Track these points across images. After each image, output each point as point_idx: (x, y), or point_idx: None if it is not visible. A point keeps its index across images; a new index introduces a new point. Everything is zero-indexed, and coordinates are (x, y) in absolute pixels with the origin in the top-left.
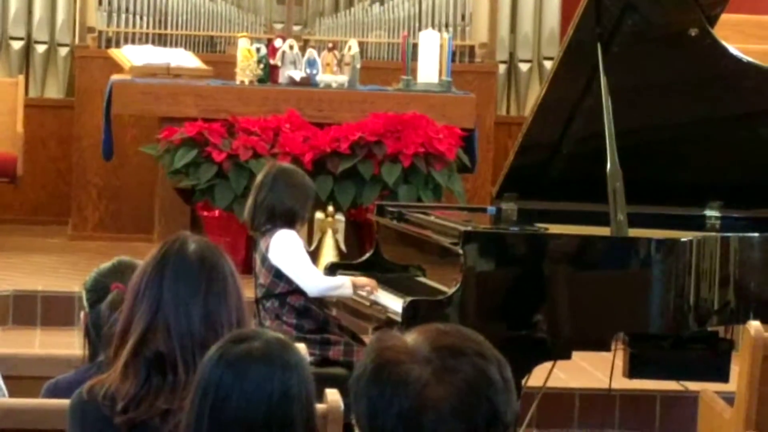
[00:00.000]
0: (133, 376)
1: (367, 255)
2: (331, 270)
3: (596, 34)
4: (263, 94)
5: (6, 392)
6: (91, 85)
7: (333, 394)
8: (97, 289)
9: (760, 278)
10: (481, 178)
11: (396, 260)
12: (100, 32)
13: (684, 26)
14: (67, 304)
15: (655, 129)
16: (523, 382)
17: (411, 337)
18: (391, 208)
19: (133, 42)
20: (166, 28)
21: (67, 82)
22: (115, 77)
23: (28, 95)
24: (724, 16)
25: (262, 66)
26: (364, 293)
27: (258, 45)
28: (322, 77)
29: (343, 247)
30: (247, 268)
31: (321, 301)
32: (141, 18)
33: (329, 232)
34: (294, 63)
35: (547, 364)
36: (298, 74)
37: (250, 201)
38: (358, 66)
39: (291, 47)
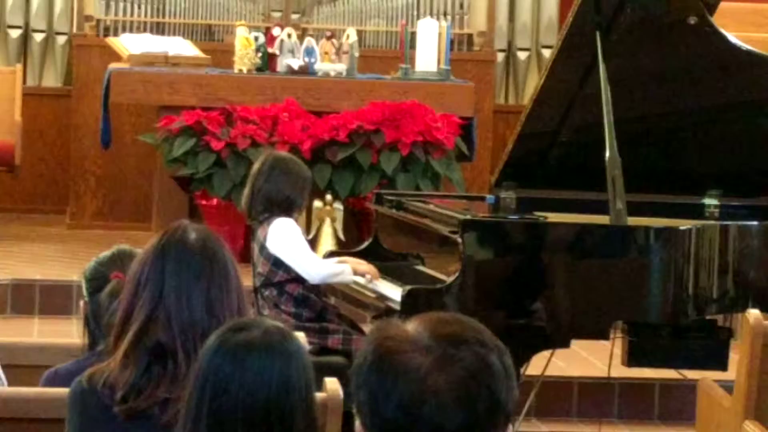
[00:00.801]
0: (134, 365)
1: (366, 244)
2: (330, 258)
3: (595, 22)
4: (261, 83)
5: (5, 381)
6: (89, 74)
7: (332, 383)
8: (97, 278)
9: (758, 266)
10: (479, 167)
11: (394, 249)
12: (98, 21)
13: (683, 14)
14: (65, 293)
15: (654, 117)
16: (522, 370)
17: (411, 326)
18: (389, 197)
19: (131, 30)
20: (164, 16)
21: (65, 71)
22: (113, 66)
23: (26, 84)
24: (723, 4)
25: (260, 54)
26: (363, 280)
27: (256, 33)
28: (321, 66)
29: (341, 235)
30: (246, 256)
31: (319, 290)
32: (139, 6)
33: (327, 221)
34: (292, 51)
35: (546, 353)
36: (296, 63)
37: (247, 190)
38: (357, 54)
39: (289, 36)
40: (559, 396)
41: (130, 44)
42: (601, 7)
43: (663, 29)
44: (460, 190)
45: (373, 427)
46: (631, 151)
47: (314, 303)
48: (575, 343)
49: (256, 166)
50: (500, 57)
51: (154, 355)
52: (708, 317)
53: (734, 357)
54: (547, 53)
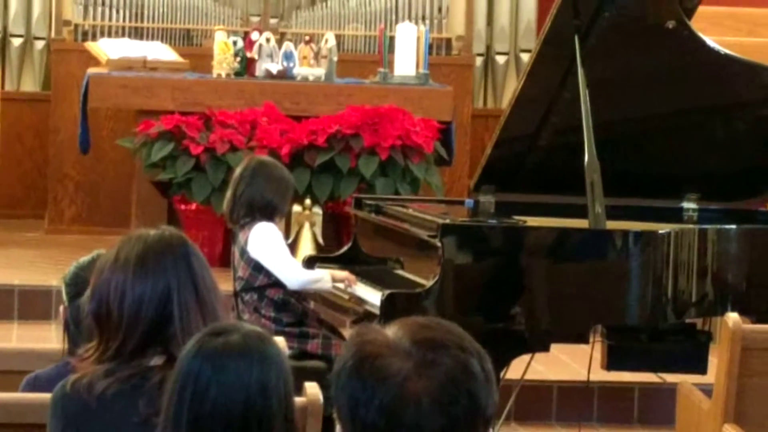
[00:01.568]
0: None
1: (345, 248)
2: (309, 263)
3: (574, 26)
4: (240, 87)
5: None
6: (67, 79)
7: (312, 388)
8: (77, 283)
9: (737, 270)
10: (458, 171)
11: (374, 253)
12: (77, 25)
13: (661, 18)
14: (44, 298)
15: (632, 121)
16: (502, 374)
17: (391, 331)
18: (368, 201)
19: (109, 35)
20: (142, 21)
21: (43, 76)
22: (91, 70)
23: (4, 89)
24: (701, 9)
25: (238, 59)
26: (342, 286)
27: (235, 38)
28: (299, 70)
29: (320, 240)
30: (225, 261)
31: (300, 295)
32: (117, 11)
33: (307, 225)
34: (271, 56)
35: (525, 357)
36: (274, 67)
37: (228, 194)
38: (335, 59)
39: (268, 40)
40: (539, 400)
41: (108, 49)
42: (580, 12)
43: (641, 33)
44: (439, 194)
45: (353, 431)
46: (610, 155)
47: (294, 308)
48: (555, 347)
49: (238, 171)
50: (479, 61)
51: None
52: (687, 321)
53: (713, 360)
54: (525, 57)
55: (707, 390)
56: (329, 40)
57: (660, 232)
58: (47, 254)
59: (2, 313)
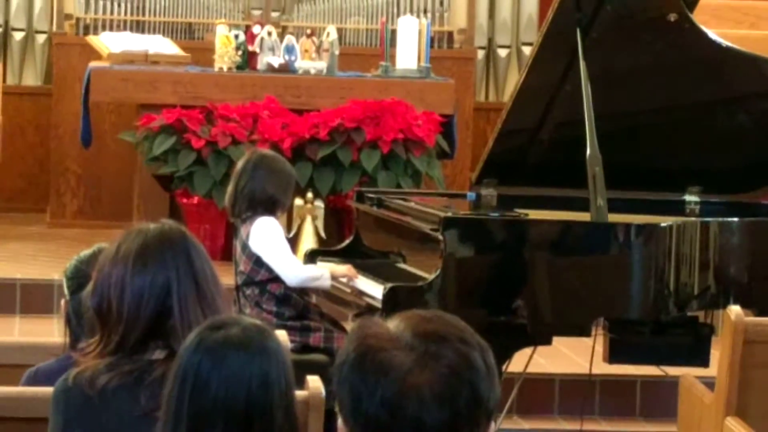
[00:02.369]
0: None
1: (347, 241)
2: (311, 257)
3: (575, 19)
4: (242, 81)
5: None
6: (69, 73)
7: (314, 381)
8: (78, 277)
9: (739, 263)
10: (460, 164)
11: (376, 247)
12: (78, 19)
13: (663, 11)
14: (46, 292)
15: (634, 114)
16: (504, 367)
17: (393, 324)
18: (370, 195)
19: (111, 29)
20: (144, 14)
21: (45, 70)
22: (93, 64)
23: (6, 82)
24: (703, 1)
25: (240, 53)
26: (344, 281)
27: (236, 31)
28: (301, 64)
29: (322, 233)
30: (227, 255)
31: (301, 289)
32: (119, 5)
33: (308, 219)
34: (272, 49)
35: (528, 350)
36: (276, 61)
37: (230, 188)
38: (337, 52)
39: (269, 34)
40: (541, 393)
41: (110, 43)
42: (581, 5)
43: (643, 26)
44: (441, 187)
45: (355, 424)
46: (612, 148)
47: (296, 302)
48: (557, 340)
49: (240, 164)
50: (480, 54)
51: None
52: (689, 314)
53: (715, 353)
54: (527, 50)
55: (709, 383)
56: (331, 33)
57: (662, 225)
58: (49, 248)
59: (4, 307)
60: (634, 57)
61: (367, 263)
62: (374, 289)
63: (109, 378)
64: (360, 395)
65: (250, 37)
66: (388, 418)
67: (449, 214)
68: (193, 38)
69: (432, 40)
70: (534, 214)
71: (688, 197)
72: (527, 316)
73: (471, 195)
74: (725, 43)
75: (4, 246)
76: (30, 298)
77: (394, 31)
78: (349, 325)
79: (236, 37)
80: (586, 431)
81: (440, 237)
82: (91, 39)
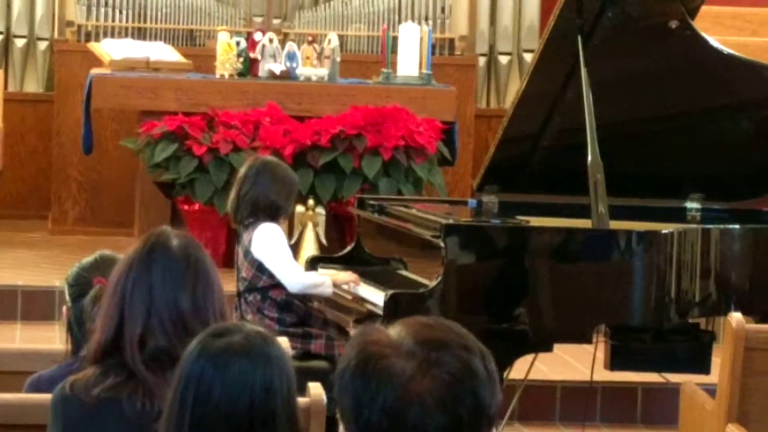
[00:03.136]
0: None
1: (348, 248)
2: (312, 264)
3: (577, 26)
4: (243, 88)
5: None
6: (70, 79)
7: (316, 388)
8: (80, 284)
9: (740, 270)
10: (461, 171)
11: (377, 253)
12: (80, 26)
13: (664, 18)
14: (47, 299)
15: (635, 121)
16: (505, 374)
17: (395, 331)
18: (371, 202)
19: (112, 36)
20: (145, 21)
21: (46, 77)
22: (94, 71)
23: (8, 89)
24: (704, 8)
25: (241, 59)
26: (346, 288)
27: (237, 38)
28: (302, 70)
29: (324, 240)
30: (228, 261)
31: (303, 295)
32: (120, 12)
33: (310, 226)
34: (274, 56)
35: (529, 357)
36: (277, 67)
37: (233, 194)
38: (338, 59)
39: (271, 40)
40: (542, 400)
41: (111, 49)
42: (582, 12)
43: (644, 33)
44: (442, 194)
45: (357, 431)
46: (613, 155)
47: (298, 308)
48: (558, 347)
49: (242, 170)
50: (482, 61)
51: (155, 360)
52: (690, 321)
53: (717, 360)
54: (528, 57)
55: (711, 390)
56: (332, 40)
57: (663, 231)
58: (50, 255)
59: (6, 314)
60: (635, 64)
61: (369, 270)
62: (375, 296)
63: (103, 387)
64: (361, 402)
65: (252, 44)
66: (390, 425)
67: (450, 221)
68: (195, 45)
69: (433, 47)
70: (535, 221)
71: (689, 204)
72: (528, 322)
73: (472, 202)
74: (726, 50)
75: (6, 253)
76: (31, 305)
77: (395, 38)
78: (352, 332)
79: (237, 44)
80: None
81: (441, 244)
82: (93, 46)
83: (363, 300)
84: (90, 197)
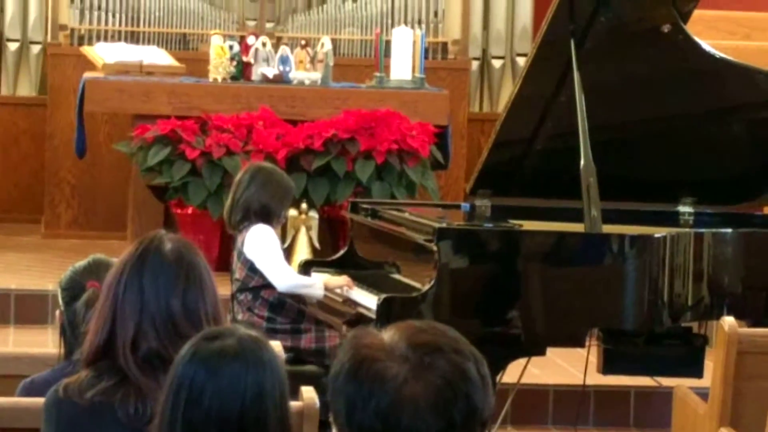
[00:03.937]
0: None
1: (341, 252)
2: (305, 267)
3: (569, 30)
4: (236, 92)
5: None
6: (63, 83)
7: (308, 392)
8: (73, 288)
9: (733, 274)
10: (454, 175)
11: (370, 257)
12: (73, 30)
13: (657, 22)
14: (40, 303)
15: (628, 125)
16: (498, 378)
17: (388, 335)
18: (364, 205)
19: (105, 39)
20: (138, 25)
21: (39, 80)
22: (87, 75)
23: (1, 93)
24: (696, 12)
25: (234, 63)
26: (339, 292)
27: (231, 42)
28: (295, 74)
29: (317, 244)
30: (221, 265)
31: (296, 296)
32: (113, 15)
33: (303, 230)
34: (267, 60)
35: (522, 361)
36: (271, 71)
37: (228, 200)
38: (331, 63)
39: (264, 44)
40: (535, 404)
41: (104, 53)
42: (575, 16)
43: (637, 37)
44: (435, 198)
45: None
46: (606, 159)
47: (290, 308)
48: (551, 351)
49: (237, 176)
50: (475, 65)
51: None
52: (683, 324)
53: (709, 364)
54: (521, 61)
55: (703, 394)
56: (325, 44)
57: (656, 235)
58: (43, 258)
59: None
60: (628, 68)
61: (362, 274)
62: (368, 300)
63: (96, 390)
64: (354, 406)
65: (245, 48)
66: (383, 429)
67: (443, 225)
68: (188, 49)
69: (426, 50)
70: (528, 225)
71: (681, 208)
72: (521, 326)
73: (465, 206)
74: (719, 54)
75: None
76: (25, 309)
77: (388, 42)
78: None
79: (231, 47)
80: None
81: (434, 248)
82: (86, 49)
83: (356, 303)
84: (83, 201)
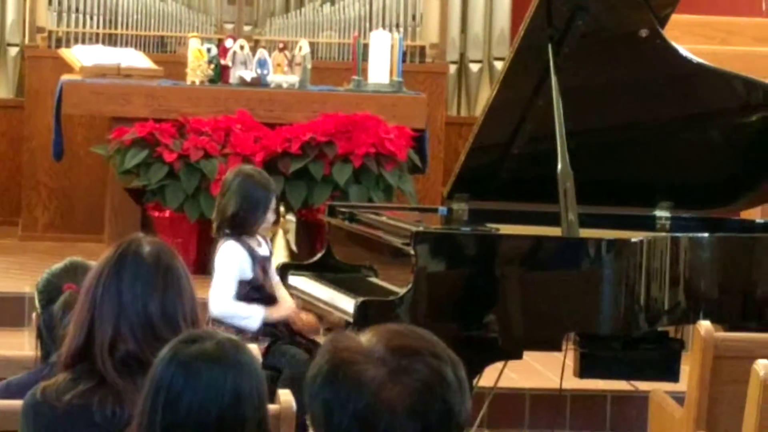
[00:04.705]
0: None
1: (319, 255)
2: (283, 271)
3: (547, 34)
4: (214, 95)
5: None
6: (41, 86)
7: (285, 395)
8: (50, 290)
9: (709, 278)
10: (431, 179)
11: (347, 261)
12: (50, 32)
13: (634, 27)
14: (17, 305)
15: (605, 129)
16: (475, 381)
17: (366, 338)
18: (342, 209)
19: (83, 42)
20: (116, 28)
21: (17, 83)
22: (65, 77)
23: None
24: (674, 17)
25: (212, 66)
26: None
27: (209, 45)
28: (273, 77)
29: (294, 247)
30: (198, 268)
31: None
32: (91, 18)
33: (280, 233)
34: (245, 63)
35: (498, 364)
36: (248, 74)
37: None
38: (309, 66)
39: (242, 47)
40: (512, 407)
41: (82, 56)
42: (553, 20)
43: (614, 42)
44: (413, 201)
45: None
46: (583, 163)
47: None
48: (527, 355)
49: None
50: (452, 69)
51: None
52: (659, 329)
53: (685, 368)
54: (499, 65)
55: (679, 398)
56: (303, 47)
57: (633, 240)
58: (20, 261)
59: None
60: (605, 72)
61: (339, 277)
62: (345, 303)
63: (74, 393)
64: (332, 409)
65: (223, 51)
66: None
67: (421, 229)
68: (166, 52)
69: (404, 54)
70: (505, 229)
71: (658, 212)
72: (498, 330)
73: (442, 209)
74: (696, 58)
75: None
76: (1, 312)
77: (366, 46)
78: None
79: (209, 50)
80: None
81: (412, 251)
82: (64, 52)
83: (333, 307)
84: (60, 203)
